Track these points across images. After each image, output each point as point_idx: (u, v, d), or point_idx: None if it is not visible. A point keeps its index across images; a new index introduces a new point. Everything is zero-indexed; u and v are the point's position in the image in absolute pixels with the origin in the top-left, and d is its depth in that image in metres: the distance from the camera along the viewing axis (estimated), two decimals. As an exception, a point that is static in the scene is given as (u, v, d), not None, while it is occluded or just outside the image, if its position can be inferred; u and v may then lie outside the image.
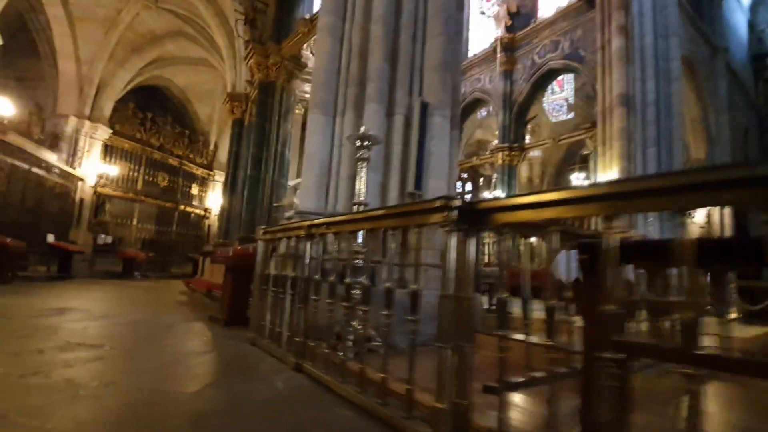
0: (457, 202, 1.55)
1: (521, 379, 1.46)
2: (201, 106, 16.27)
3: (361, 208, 3.02)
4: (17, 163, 9.08)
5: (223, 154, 17.12)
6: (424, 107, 3.75)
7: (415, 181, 3.64)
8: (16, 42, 11.50)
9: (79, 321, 4.06)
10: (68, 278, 9.70)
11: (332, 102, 4.00)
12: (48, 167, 10.22)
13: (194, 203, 15.92)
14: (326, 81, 4.01)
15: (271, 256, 3.68)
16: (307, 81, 9.64)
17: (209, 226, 16.52)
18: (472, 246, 1.57)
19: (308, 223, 2.74)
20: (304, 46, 7.93)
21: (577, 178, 10.28)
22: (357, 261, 2.77)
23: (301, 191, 3.91)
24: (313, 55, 9.08)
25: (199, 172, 16.13)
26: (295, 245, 3.41)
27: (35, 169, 9.74)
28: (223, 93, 16.14)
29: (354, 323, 2.77)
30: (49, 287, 7.58)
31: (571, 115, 15.44)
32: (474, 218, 1.53)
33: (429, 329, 1.77)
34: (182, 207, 15.33)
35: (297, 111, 8.45)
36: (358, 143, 3.08)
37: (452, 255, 1.55)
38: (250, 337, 3.45)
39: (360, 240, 2.83)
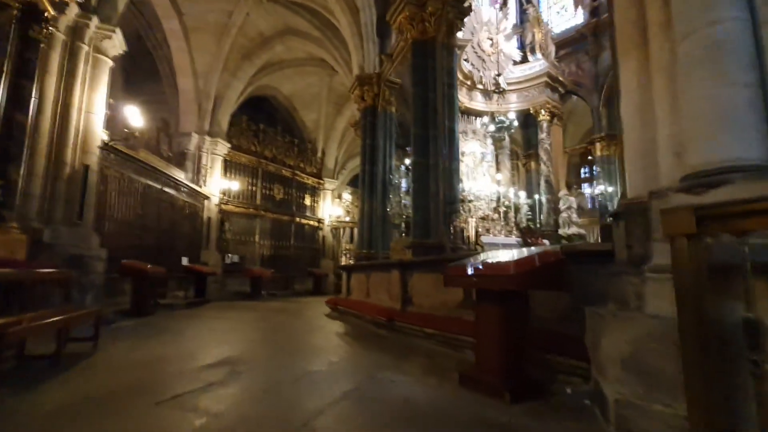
0: None
1: None
2: (307, 113, 15.42)
3: None
4: (150, 182, 8.52)
5: (330, 161, 16.14)
6: None
7: None
8: (138, 66, 11.49)
9: (263, 400, 2.40)
10: (205, 302, 8.93)
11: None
12: (177, 186, 9.69)
13: (308, 214, 15.02)
14: None
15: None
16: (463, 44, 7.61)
17: (323, 237, 15.55)
18: None
19: None
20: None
21: None
22: None
23: (698, 122, 1.79)
24: None
25: (310, 181, 15.23)
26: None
27: (167, 189, 9.20)
28: (329, 96, 15.15)
29: None
30: (192, 316, 6.55)
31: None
32: None
33: None
34: (297, 219, 14.50)
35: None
36: None
37: None
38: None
39: None
